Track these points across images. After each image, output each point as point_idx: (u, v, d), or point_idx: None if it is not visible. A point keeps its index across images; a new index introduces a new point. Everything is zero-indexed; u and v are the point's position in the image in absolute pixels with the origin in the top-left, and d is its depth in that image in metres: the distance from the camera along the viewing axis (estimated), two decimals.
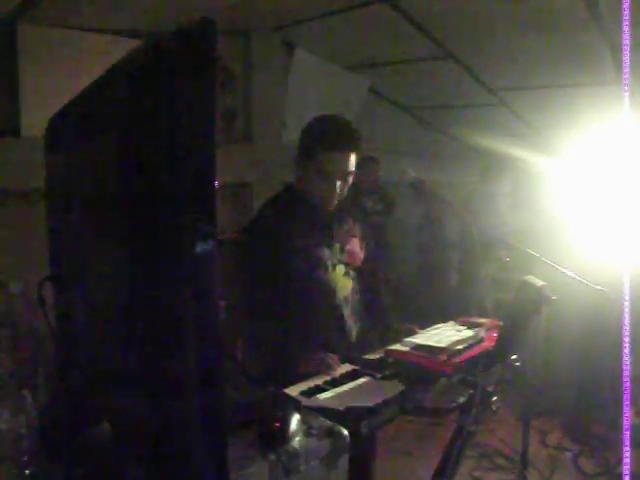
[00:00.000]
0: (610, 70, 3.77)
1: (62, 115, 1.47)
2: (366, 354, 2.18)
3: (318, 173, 2.16)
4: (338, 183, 2.17)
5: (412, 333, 2.30)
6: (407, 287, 5.21)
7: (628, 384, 2.44)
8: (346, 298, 2.29)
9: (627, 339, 2.39)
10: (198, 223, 0.91)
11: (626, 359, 2.39)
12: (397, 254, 5.15)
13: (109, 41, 3.54)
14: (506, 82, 4.61)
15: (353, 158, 2.17)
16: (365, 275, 2.41)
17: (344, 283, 2.29)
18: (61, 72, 3.31)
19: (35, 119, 3.20)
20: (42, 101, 3.15)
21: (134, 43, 3.51)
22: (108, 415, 1.22)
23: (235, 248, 2.26)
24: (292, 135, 4.68)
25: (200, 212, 0.91)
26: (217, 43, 0.93)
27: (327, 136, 2.15)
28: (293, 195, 2.30)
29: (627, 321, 2.38)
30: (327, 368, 1.98)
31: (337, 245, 2.28)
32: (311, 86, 4.76)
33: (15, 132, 3.33)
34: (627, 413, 2.47)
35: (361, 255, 2.37)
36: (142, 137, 0.97)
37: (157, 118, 0.95)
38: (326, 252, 2.24)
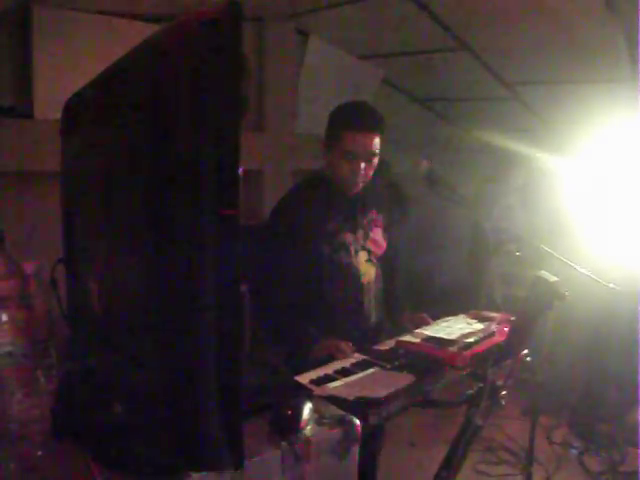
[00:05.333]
0: (626, 67, 3.74)
1: (80, 97, 1.47)
2: (382, 340, 2.20)
3: (342, 154, 2.19)
4: (362, 165, 2.19)
5: (424, 322, 2.32)
6: (416, 280, 5.20)
7: None
8: (369, 283, 2.33)
9: None
10: (221, 208, 0.91)
11: None
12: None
13: (124, 24, 3.53)
14: (521, 76, 4.57)
15: (377, 141, 2.19)
16: (384, 264, 2.44)
17: (366, 269, 2.32)
18: (75, 54, 3.30)
19: (48, 101, 3.21)
20: (56, 83, 3.15)
21: (150, 27, 3.50)
22: (121, 396, 1.22)
23: (259, 231, 2.30)
24: (305, 124, 4.67)
25: (224, 197, 0.91)
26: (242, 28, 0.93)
27: (350, 118, 2.20)
28: (319, 181, 2.34)
29: None
30: (341, 353, 1.99)
31: (361, 232, 2.31)
32: (325, 75, 4.75)
33: (28, 114, 3.33)
34: None
35: (384, 245, 2.39)
36: (164, 121, 0.96)
37: (180, 102, 0.94)
38: (349, 237, 2.28)
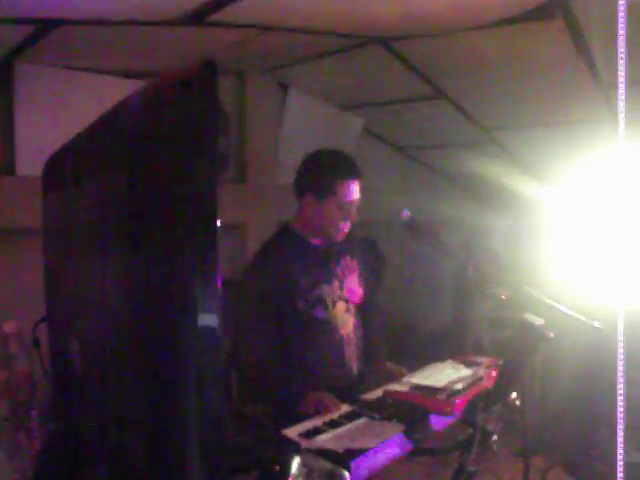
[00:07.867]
0: (601, 108, 3.81)
1: (61, 154, 1.48)
2: (366, 390, 2.18)
3: (340, 205, 2.17)
4: (354, 211, 2.21)
5: (402, 377, 2.29)
6: (401, 326, 5.18)
7: (622, 423, 2.40)
8: (348, 335, 2.29)
9: (621, 376, 2.37)
10: (199, 262, 0.91)
11: (620, 397, 2.36)
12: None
13: (105, 81, 3.57)
14: (498, 121, 4.65)
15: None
16: (363, 312, 2.41)
17: (344, 320, 2.29)
18: (57, 111, 3.33)
19: (30, 157, 3.21)
20: (38, 139, 3.16)
21: (131, 84, 3.54)
22: (103, 458, 1.20)
23: (234, 288, 2.28)
24: (287, 174, 4.70)
25: (202, 252, 0.91)
26: (218, 86, 0.94)
27: (342, 167, 2.19)
28: (289, 235, 2.31)
29: (621, 357, 2.37)
30: (325, 409, 1.97)
31: (336, 282, 2.29)
32: (305, 126, 4.79)
33: (10, 170, 3.33)
34: (621, 451, 2.43)
35: (360, 291, 2.37)
36: (143, 179, 0.97)
37: (158, 160, 0.95)
38: (325, 289, 2.25)
